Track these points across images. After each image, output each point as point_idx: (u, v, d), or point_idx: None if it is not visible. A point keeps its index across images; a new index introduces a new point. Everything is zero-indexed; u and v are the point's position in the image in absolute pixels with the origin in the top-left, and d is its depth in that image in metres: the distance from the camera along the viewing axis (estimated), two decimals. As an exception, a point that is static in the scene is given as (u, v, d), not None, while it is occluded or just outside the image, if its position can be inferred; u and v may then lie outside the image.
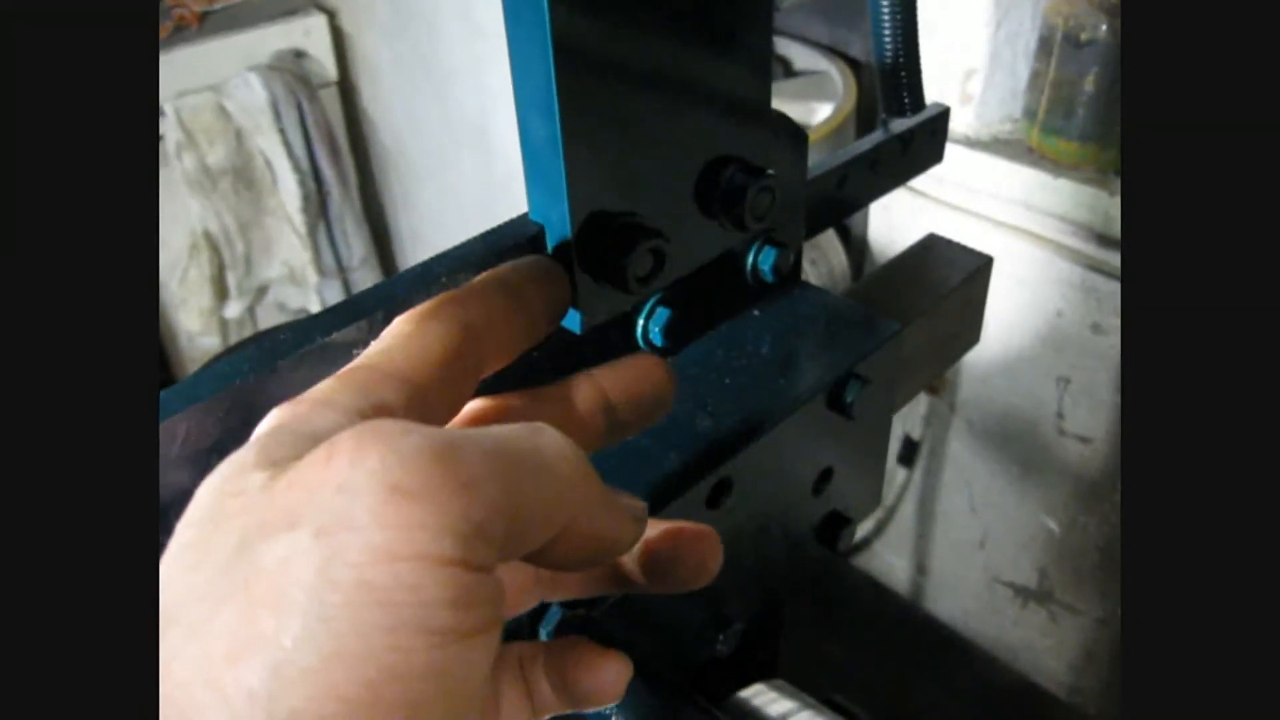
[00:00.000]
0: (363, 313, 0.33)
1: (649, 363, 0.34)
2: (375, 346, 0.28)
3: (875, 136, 0.54)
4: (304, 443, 0.22)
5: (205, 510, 0.22)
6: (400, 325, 0.28)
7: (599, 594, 0.33)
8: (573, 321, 0.37)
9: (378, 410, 0.25)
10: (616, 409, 0.32)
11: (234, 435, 0.31)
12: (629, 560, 0.31)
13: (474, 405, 0.32)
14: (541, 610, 0.36)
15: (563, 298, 0.34)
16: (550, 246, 0.36)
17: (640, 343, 0.42)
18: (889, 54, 0.50)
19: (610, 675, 0.29)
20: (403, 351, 0.27)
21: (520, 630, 0.35)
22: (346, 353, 0.33)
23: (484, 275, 0.32)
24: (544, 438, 0.24)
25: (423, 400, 0.26)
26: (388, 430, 0.21)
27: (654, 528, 0.31)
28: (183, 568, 0.21)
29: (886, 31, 0.49)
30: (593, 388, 0.32)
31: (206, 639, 0.19)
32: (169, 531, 0.31)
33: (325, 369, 0.33)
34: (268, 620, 0.19)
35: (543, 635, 0.36)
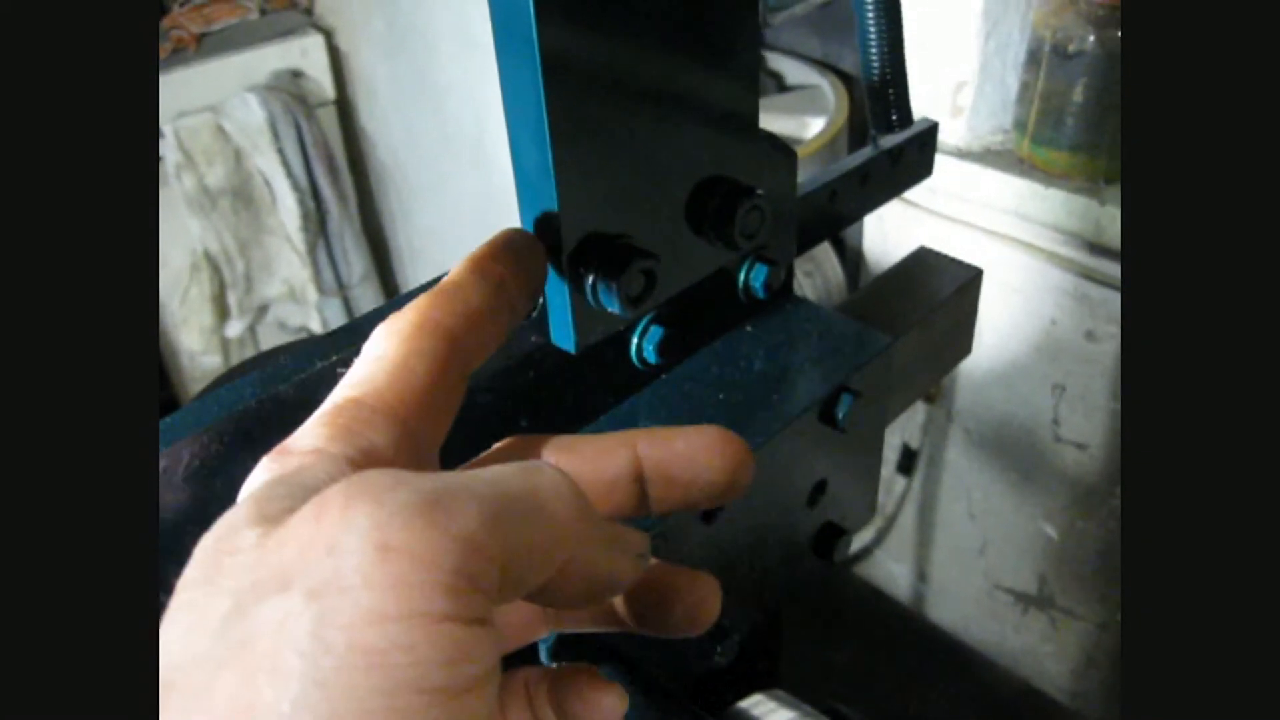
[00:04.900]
0: (363, 336, 0.34)
1: (709, 440, 0.30)
2: (359, 373, 0.27)
3: (865, 152, 0.55)
4: (296, 495, 0.22)
5: (201, 570, 0.22)
6: (382, 345, 0.27)
7: (604, 630, 0.32)
8: (567, 341, 0.37)
9: (367, 455, 0.25)
10: (651, 483, 0.30)
11: (237, 458, 0.32)
12: (622, 606, 0.31)
13: (503, 443, 0.31)
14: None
15: (541, 274, 0.33)
16: (545, 269, 0.36)
17: (635, 359, 0.43)
18: (876, 73, 0.51)
19: (606, 707, 0.29)
20: (387, 380, 0.26)
21: (525, 651, 0.36)
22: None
23: (462, 267, 0.30)
24: (541, 478, 0.23)
25: (413, 431, 0.26)
26: (377, 485, 0.21)
27: (654, 571, 0.30)
28: (181, 630, 0.21)
29: (874, 52, 0.50)
30: (628, 455, 0.30)
31: (207, 705, 0.19)
32: (175, 557, 0.32)
33: (325, 393, 0.33)
34: (265, 685, 0.19)
35: (541, 650, 0.37)
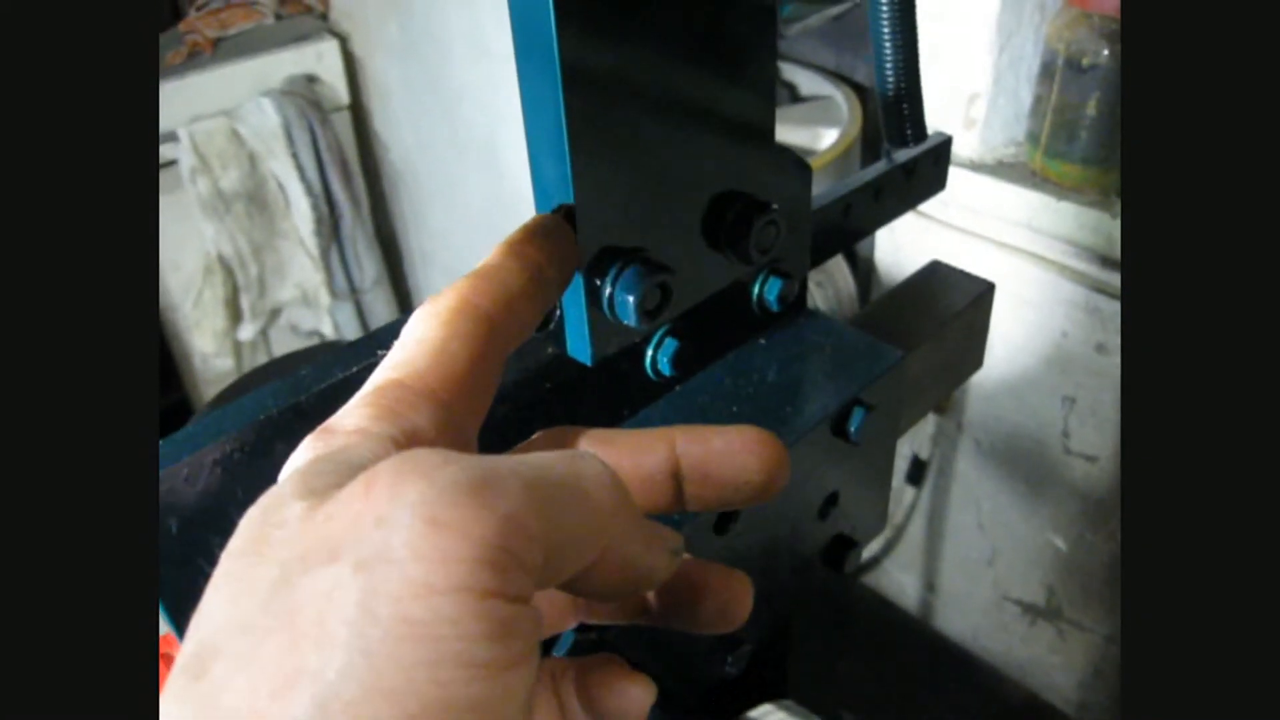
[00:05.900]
0: (380, 347, 0.34)
1: (748, 439, 0.30)
2: (400, 356, 0.27)
3: (879, 166, 0.55)
4: (342, 471, 0.22)
5: (247, 540, 0.22)
6: (421, 328, 0.28)
7: (634, 621, 0.32)
8: (583, 353, 0.38)
9: (409, 436, 0.25)
10: (688, 480, 0.30)
11: (258, 465, 0.33)
12: (654, 600, 0.31)
13: (541, 434, 0.31)
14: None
15: (572, 258, 0.33)
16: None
17: (649, 372, 0.43)
18: (891, 88, 0.51)
19: (633, 697, 0.28)
20: (428, 363, 0.27)
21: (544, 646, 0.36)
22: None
23: (499, 252, 0.30)
24: (584, 466, 0.24)
25: (453, 413, 0.26)
26: (426, 462, 0.21)
27: (687, 566, 0.30)
28: (226, 599, 0.21)
29: (889, 66, 0.50)
30: (666, 451, 0.30)
31: (253, 671, 0.19)
32: (198, 554, 0.32)
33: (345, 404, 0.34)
34: (311, 653, 0.19)
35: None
